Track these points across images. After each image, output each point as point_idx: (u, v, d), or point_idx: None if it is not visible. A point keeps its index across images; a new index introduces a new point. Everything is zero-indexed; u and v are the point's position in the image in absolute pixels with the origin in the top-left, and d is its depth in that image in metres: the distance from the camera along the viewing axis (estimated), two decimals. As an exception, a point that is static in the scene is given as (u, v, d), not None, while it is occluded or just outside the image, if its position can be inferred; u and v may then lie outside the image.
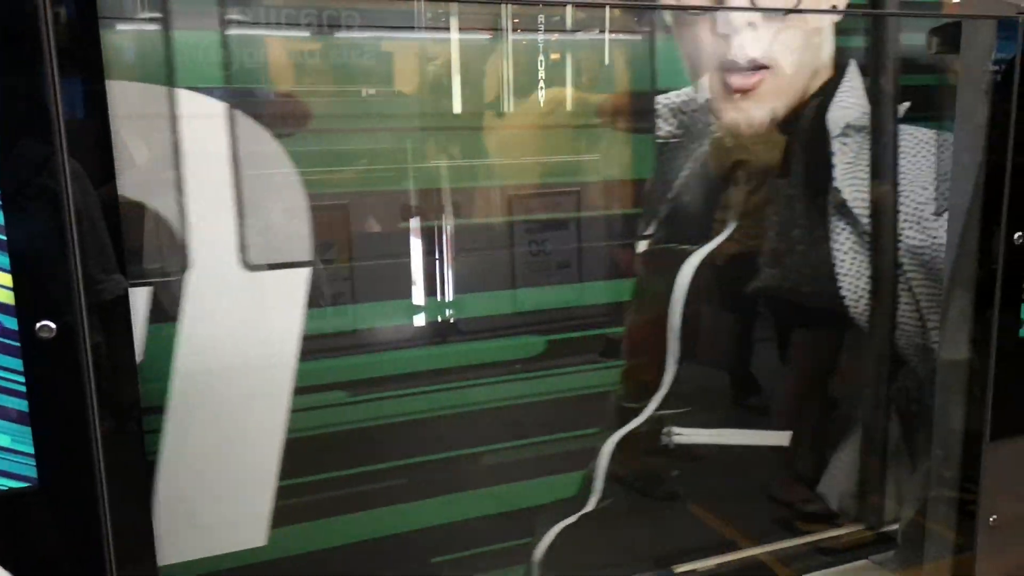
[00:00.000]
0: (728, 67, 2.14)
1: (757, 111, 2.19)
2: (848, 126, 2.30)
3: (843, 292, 2.35)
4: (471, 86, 1.91)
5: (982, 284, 2.02)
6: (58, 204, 1.31)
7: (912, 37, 2.32)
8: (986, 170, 1.97)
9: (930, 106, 2.37)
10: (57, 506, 1.39)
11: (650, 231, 2.13)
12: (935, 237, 2.37)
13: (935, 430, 2.21)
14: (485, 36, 1.95)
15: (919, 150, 2.37)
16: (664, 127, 2.11)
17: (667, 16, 2.09)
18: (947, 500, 2.19)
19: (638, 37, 2.08)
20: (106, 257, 1.49)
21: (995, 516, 2.06)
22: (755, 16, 2.14)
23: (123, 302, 1.51)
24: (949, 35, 2.03)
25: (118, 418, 1.48)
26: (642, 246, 2.13)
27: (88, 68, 1.40)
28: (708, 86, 2.14)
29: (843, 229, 2.33)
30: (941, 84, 2.39)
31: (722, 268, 2.23)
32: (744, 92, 2.17)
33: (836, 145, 2.29)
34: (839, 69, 2.28)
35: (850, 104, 2.30)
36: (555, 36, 1.99)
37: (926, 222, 2.37)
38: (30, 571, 1.38)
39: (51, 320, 1.32)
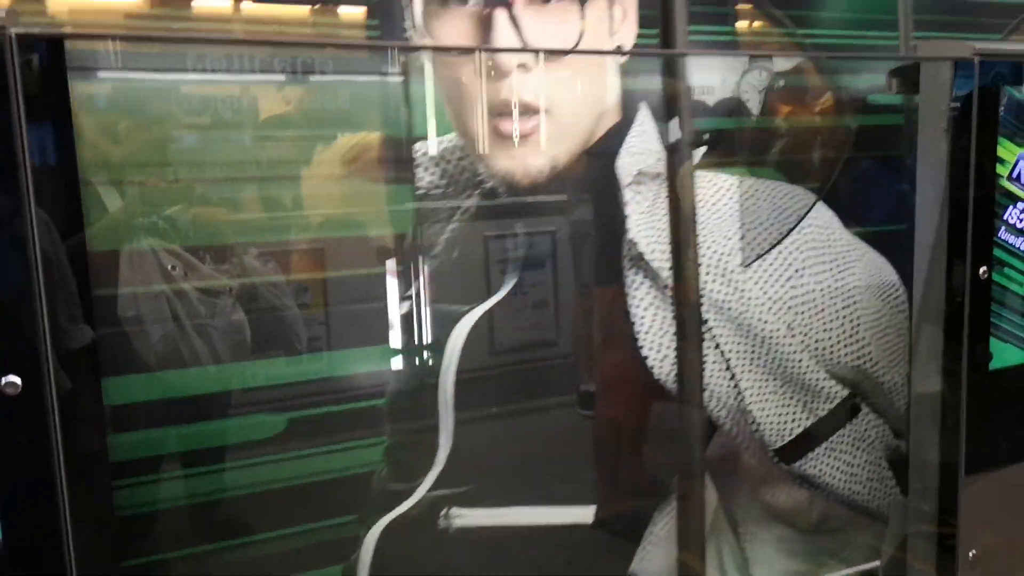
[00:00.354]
0: (498, 111, 1.97)
1: (535, 158, 2.02)
2: (641, 173, 2.14)
3: (645, 351, 2.17)
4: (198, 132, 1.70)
5: (950, 318, 2.07)
6: (25, 255, 1.29)
7: (706, 78, 2.19)
8: (949, 205, 2.03)
9: (730, 150, 2.24)
10: (22, 567, 1.34)
11: (411, 290, 1.92)
12: (743, 290, 2.22)
13: (912, 464, 2.22)
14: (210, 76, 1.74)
15: (720, 198, 2.22)
16: (425, 177, 1.92)
17: (423, 56, 1.91)
18: (926, 535, 2.17)
19: (391, 79, 1.89)
20: (74, 306, 1.50)
21: (974, 551, 2.06)
22: (526, 56, 1.98)
23: (90, 352, 1.51)
24: (908, 76, 2.11)
25: (85, 473, 1.45)
26: (404, 307, 1.92)
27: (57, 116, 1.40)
28: (475, 132, 1.96)
29: (641, 283, 2.16)
30: (740, 127, 2.26)
31: (502, 327, 2.03)
32: (518, 138, 2.00)
33: (628, 194, 2.13)
34: (628, 112, 2.13)
35: (642, 149, 2.14)
36: (291, 78, 1.80)
37: (732, 274, 2.22)
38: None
39: (16, 375, 1.29)
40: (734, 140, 2.25)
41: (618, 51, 2.12)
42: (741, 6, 2.24)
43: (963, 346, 2.03)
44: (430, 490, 1.96)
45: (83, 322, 1.51)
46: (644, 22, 2.12)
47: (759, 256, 2.25)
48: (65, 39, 1.41)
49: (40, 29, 1.43)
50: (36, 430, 1.31)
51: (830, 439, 2.37)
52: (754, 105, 2.32)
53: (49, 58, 1.37)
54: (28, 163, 1.27)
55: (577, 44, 2.05)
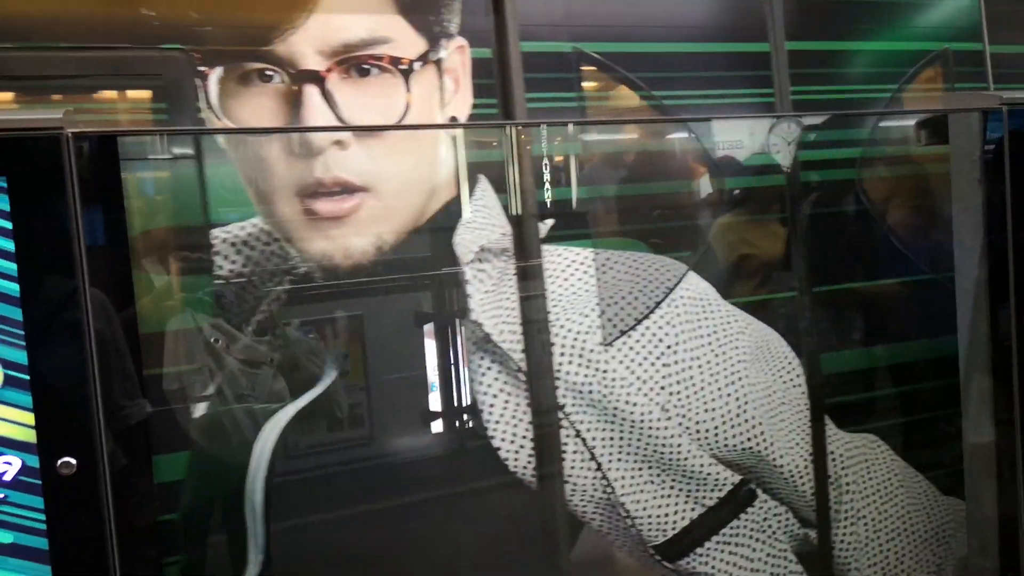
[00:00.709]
0: (312, 191, 1.85)
1: (356, 239, 1.89)
2: (483, 250, 1.99)
3: (496, 442, 1.98)
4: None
5: (997, 364, 2.07)
6: (80, 339, 1.36)
7: (558, 147, 2.06)
8: (989, 251, 2.06)
9: (581, 223, 2.09)
10: None
11: (210, 389, 1.76)
12: (603, 370, 2.03)
13: (968, 520, 2.20)
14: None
15: (572, 273, 2.06)
16: (225, 265, 1.78)
17: (219, 138, 1.80)
18: None
19: (180, 162, 1.78)
20: (130, 382, 1.57)
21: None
22: (343, 133, 1.87)
23: (143, 427, 1.58)
24: (937, 128, 2.15)
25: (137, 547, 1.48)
26: (200, 409, 1.76)
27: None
28: (284, 214, 1.84)
29: (488, 369, 1.99)
30: (592, 196, 2.11)
31: (319, 428, 1.87)
32: (336, 219, 1.87)
33: (470, 272, 1.98)
34: (465, 186, 2.00)
35: (483, 224, 2.00)
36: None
37: (590, 354, 2.04)
38: None
39: (72, 456, 1.34)
40: (588, 211, 2.10)
41: (501, 122, 1.99)
42: (586, 70, 2.11)
43: (1015, 392, 2.01)
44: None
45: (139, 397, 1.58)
46: (479, 91, 2.01)
47: (623, 333, 2.08)
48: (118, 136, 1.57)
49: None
50: (89, 507, 1.36)
51: (722, 532, 2.14)
52: (785, 158, 2.23)
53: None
54: (83, 247, 1.35)
55: (403, 118, 1.94)
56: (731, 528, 2.15)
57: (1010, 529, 2.07)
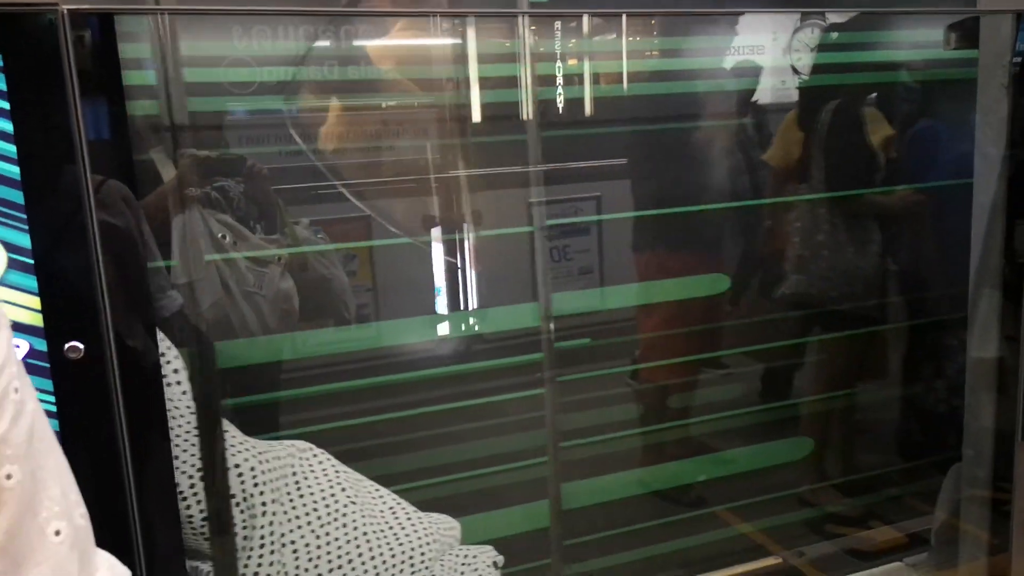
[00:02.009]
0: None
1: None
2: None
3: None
4: None
5: (1009, 280, 2.05)
6: (82, 223, 1.35)
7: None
8: (1010, 164, 2.02)
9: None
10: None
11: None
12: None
13: (966, 430, 2.21)
14: None
15: None
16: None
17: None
18: (980, 501, 2.18)
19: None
20: (162, 276, 1.59)
21: (1029, 515, 2.02)
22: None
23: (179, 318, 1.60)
24: (967, 31, 2.06)
25: (146, 434, 1.50)
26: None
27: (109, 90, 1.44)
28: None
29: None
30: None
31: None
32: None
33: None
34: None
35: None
36: None
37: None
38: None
39: (79, 341, 1.35)
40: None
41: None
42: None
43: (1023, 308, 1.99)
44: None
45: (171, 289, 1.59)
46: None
47: None
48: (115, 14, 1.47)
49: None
50: (98, 392, 1.38)
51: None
52: (804, 65, 2.20)
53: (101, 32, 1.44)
54: (82, 128, 1.31)
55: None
56: None
57: (1006, 441, 2.09)
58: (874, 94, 2.35)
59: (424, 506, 1.91)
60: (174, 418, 1.60)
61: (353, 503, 1.81)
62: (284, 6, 1.78)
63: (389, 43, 1.88)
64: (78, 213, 1.35)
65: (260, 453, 1.72)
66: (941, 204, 2.37)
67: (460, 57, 1.79)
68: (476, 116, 1.80)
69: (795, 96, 2.31)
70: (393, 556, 1.82)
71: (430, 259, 2.01)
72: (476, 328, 2.06)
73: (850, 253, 2.38)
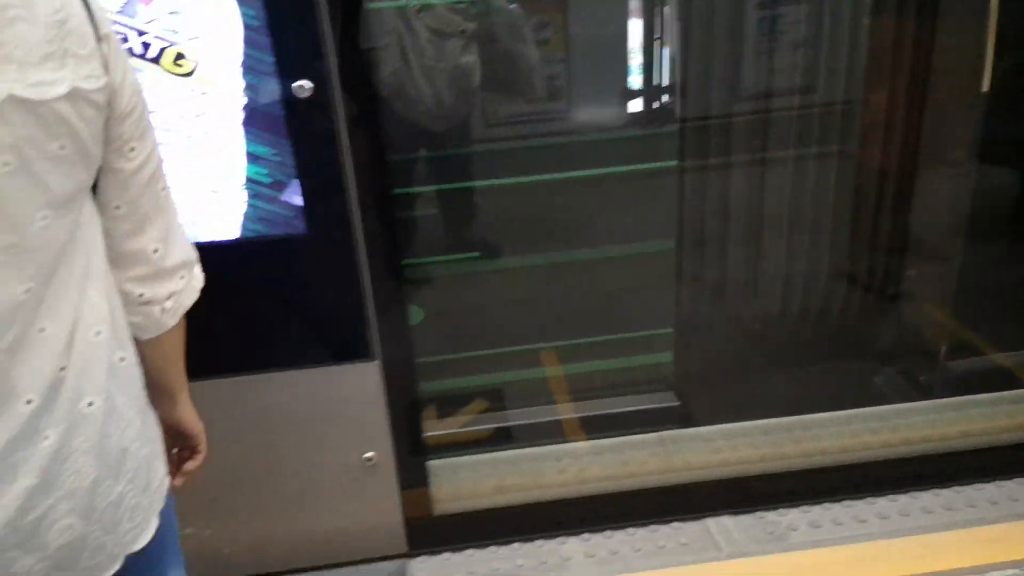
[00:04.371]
0: None
1: None
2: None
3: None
4: None
5: None
6: None
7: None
8: None
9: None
10: (324, 249, 1.55)
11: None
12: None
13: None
14: None
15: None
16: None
17: None
18: None
19: None
20: None
21: None
22: None
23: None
24: None
25: (372, 174, 1.57)
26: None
27: None
28: None
29: None
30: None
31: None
32: None
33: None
34: None
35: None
36: None
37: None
38: (299, 307, 1.57)
39: (307, 79, 1.41)
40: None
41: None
42: None
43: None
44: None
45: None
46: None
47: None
48: None
49: None
50: (326, 131, 1.46)
51: None
52: None
53: None
54: None
55: None
56: None
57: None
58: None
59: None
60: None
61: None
62: None
63: None
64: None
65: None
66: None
67: None
68: None
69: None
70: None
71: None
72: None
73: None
